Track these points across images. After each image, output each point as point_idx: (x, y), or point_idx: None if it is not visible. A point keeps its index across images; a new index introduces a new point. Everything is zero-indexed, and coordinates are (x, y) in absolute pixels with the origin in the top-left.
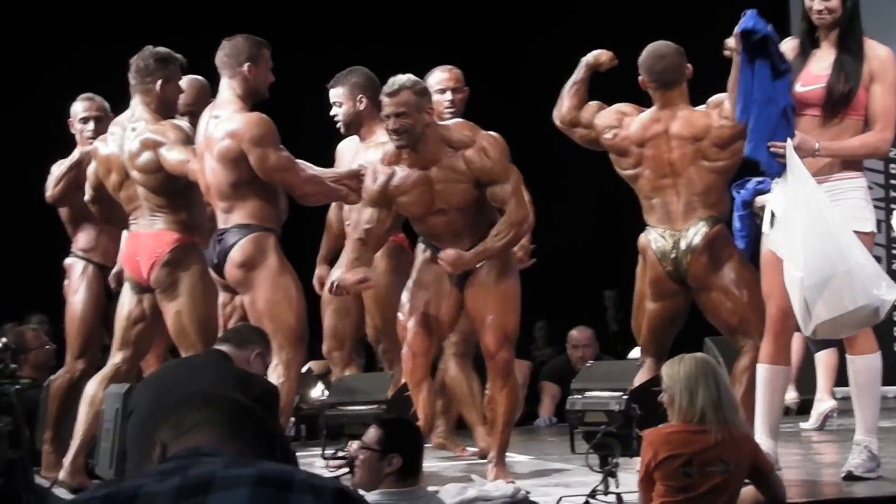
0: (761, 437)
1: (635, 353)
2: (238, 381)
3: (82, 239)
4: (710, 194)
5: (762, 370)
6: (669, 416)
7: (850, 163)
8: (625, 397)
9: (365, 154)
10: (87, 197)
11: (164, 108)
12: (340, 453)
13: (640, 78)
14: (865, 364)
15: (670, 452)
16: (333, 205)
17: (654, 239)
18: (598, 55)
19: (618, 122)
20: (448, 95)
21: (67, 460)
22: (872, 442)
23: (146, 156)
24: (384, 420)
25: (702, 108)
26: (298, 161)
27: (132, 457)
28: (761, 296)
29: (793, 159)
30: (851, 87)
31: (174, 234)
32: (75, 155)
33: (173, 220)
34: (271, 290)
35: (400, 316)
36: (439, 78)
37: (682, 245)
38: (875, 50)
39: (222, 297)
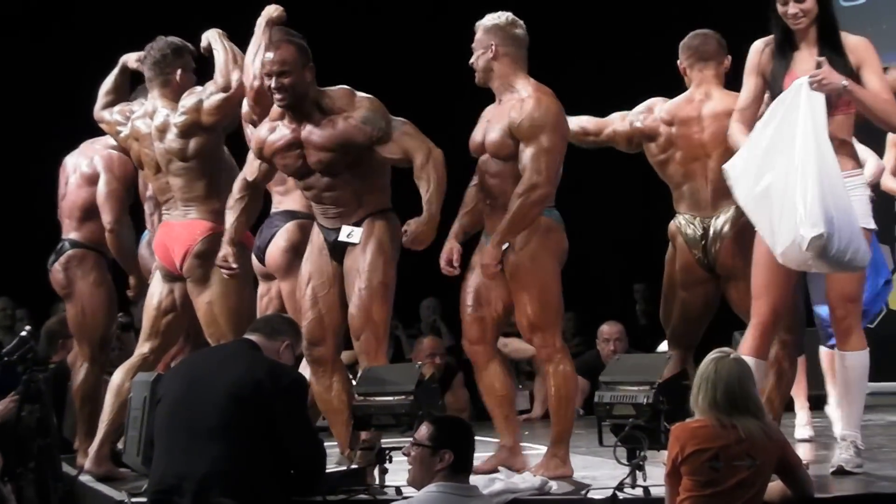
0: None
1: (664, 346)
2: (268, 371)
3: (89, 229)
4: None
5: None
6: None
7: (852, 159)
8: (653, 391)
9: None
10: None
11: (179, 98)
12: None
13: (679, 62)
14: (858, 360)
15: (697, 447)
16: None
17: (683, 224)
18: None
19: (647, 109)
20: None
21: (93, 449)
22: (858, 437)
23: (190, 133)
24: (436, 417)
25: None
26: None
27: (160, 445)
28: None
29: (801, 96)
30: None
31: (207, 224)
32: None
33: (206, 209)
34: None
35: (462, 304)
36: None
37: (712, 232)
38: (853, 41)
39: (261, 287)
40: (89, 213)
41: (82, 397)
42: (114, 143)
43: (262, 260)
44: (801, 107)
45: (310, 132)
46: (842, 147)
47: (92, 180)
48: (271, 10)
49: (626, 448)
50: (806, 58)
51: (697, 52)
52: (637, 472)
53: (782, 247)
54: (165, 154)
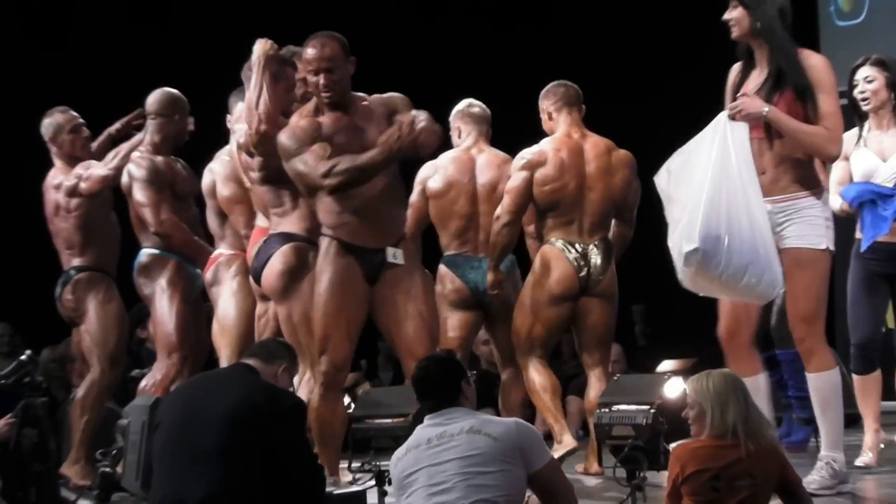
0: None
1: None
2: (266, 395)
3: (92, 254)
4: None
5: None
6: (694, 431)
7: (805, 181)
8: (652, 411)
9: None
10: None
11: None
12: (367, 466)
13: (544, 108)
14: (826, 381)
15: (698, 467)
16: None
17: (564, 249)
18: None
19: (536, 154)
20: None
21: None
22: (835, 458)
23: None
24: None
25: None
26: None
27: (158, 469)
28: None
29: (725, 131)
30: None
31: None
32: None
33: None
34: (310, 302)
35: None
36: (308, 58)
37: (592, 261)
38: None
39: (259, 307)
40: (87, 237)
41: (81, 412)
42: (60, 164)
43: (258, 281)
44: (717, 139)
45: (351, 123)
46: (794, 168)
47: (70, 206)
48: (265, 47)
49: (625, 469)
50: (756, 76)
51: (564, 98)
52: (637, 492)
53: (679, 270)
54: None
